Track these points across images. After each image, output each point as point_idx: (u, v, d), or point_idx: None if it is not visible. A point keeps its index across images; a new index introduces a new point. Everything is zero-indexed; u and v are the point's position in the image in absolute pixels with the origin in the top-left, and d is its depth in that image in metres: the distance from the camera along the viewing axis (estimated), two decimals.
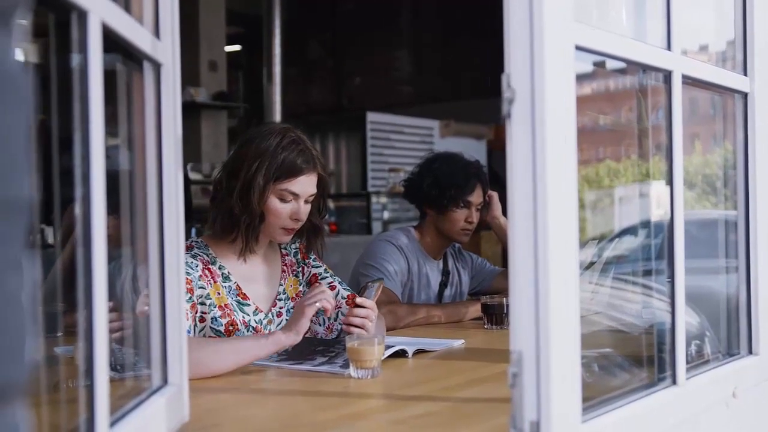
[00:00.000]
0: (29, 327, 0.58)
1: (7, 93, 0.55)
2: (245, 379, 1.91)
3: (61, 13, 0.99)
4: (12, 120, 0.55)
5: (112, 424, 1.10)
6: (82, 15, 1.00)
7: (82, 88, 1.01)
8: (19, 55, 0.58)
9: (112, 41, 1.12)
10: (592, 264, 2.20)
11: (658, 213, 1.95)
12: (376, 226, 7.44)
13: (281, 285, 2.36)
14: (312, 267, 2.44)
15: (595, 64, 1.47)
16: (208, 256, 2.22)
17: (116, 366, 1.37)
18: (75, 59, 1.02)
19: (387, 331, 2.62)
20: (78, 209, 1.02)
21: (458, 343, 2.36)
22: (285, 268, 2.39)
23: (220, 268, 2.23)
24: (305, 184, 2.22)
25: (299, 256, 2.43)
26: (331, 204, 7.76)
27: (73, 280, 1.05)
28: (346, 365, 1.91)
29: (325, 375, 1.91)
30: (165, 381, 1.38)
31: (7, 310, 0.55)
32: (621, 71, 1.73)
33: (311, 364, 1.98)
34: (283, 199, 2.20)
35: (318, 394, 1.76)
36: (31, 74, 0.59)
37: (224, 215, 2.21)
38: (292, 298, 2.36)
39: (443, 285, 3.15)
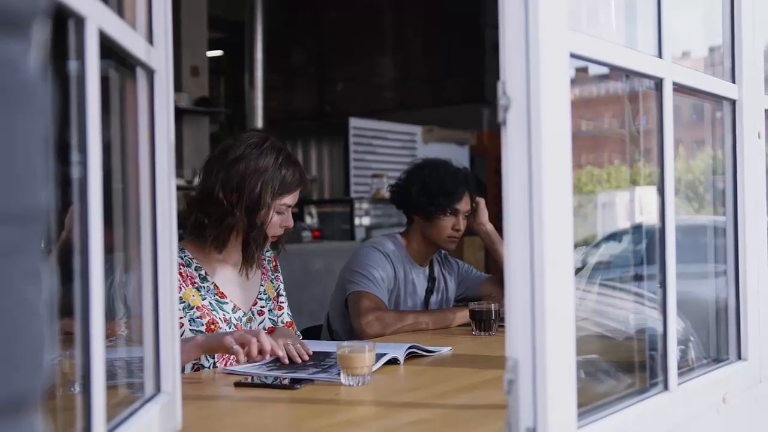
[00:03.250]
0: (47, 336, 0.58)
1: (26, 101, 0.55)
2: (236, 387, 1.90)
3: (58, 20, 0.99)
4: (31, 128, 0.55)
5: None
6: (80, 21, 0.99)
7: (80, 94, 1.00)
8: (37, 64, 0.57)
9: (106, 47, 1.11)
10: (578, 270, 2.21)
11: (642, 219, 1.96)
12: (360, 232, 7.43)
13: (262, 285, 2.44)
14: (280, 282, 2.54)
15: (577, 69, 1.47)
16: (182, 258, 2.24)
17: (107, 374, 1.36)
18: (71, 65, 1.02)
19: (375, 338, 2.62)
20: (75, 216, 1.01)
21: (446, 350, 2.36)
22: (264, 270, 2.47)
23: (196, 269, 2.28)
24: (297, 195, 2.35)
25: (272, 265, 2.52)
26: (313, 210, 7.74)
27: (61, 287, 1.04)
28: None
29: (317, 383, 1.90)
30: (158, 389, 1.37)
31: (26, 319, 0.55)
32: (603, 77, 1.74)
33: (306, 373, 1.97)
34: (279, 212, 2.31)
35: (309, 402, 1.75)
36: (49, 82, 0.59)
37: (226, 230, 2.26)
38: (273, 299, 2.45)
39: (429, 291, 3.14)
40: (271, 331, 2.41)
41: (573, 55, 1.25)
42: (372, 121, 8.55)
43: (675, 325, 1.54)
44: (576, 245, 2.16)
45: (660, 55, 1.52)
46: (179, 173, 7.12)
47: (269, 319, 2.41)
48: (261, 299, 2.41)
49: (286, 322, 2.44)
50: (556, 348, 1.17)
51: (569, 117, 1.22)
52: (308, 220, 7.52)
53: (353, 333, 2.82)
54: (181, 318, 2.18)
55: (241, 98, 8.83)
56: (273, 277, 2.49)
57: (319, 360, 2.13)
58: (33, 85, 0.56)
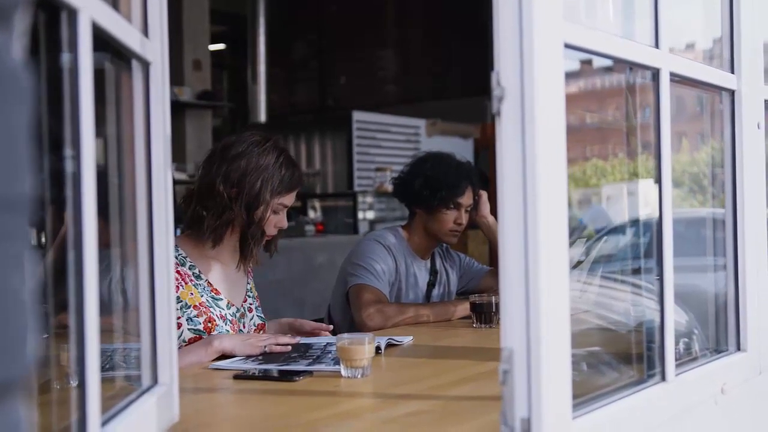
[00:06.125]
0: (31, 324, 0.58)
1: (9, 91, 0.55)
2: (234, 380, 1.90)
3: (51, 12, 0.99)
4: (15, 117, 0.55)
5: (103, 423, 1.09)
6: (72, 13, 0.99)
7: (72, 86, 1.00)
8: (20, 53, 0.58)
9: (101, 40, 1.11)
10: (579, 263, 2.21)
11: (645, 211, 1.96)
12: (363, 226, 7.43)
13: (248, 284, 2.48)
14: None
15: (582, 61, 1.47)
16: (176, 258, 2.25)
17: (104, 366, 1.37)
18: (64, 57, 1.02)
19: (376, 330, 2.63)
20: (68, 210, 1.01)
21: (407, 340, 2.38)
22: (249, 270, 2.50)
23: (190, 268, 2.31)
24: (294, 197, 2.38)
25: (251, 266, 2.54)
26: (317, 204, 7.75)
27: (60, 281, 1.04)
28: (337, 362, 1.90)
29: (316, 375, 1.90)
30: (155, 381, 1.38)
31: (9, 306, 0.55)
32: (607, 69, 1.74)
33: (304, 364, 1.97)
34: (275, 212, 2.33)
35: (308, 394, 1.76)
36: (31, 72, 0.59)
37: (224, 225, 2.28)
38: (256, 297, 2.50)
39: (431, 284, 3.15)
40: (261, 328, 2.46)
41: (568, 46, 1.24)
42: (375, 114, 8.54)
43: (672, 316, 1.53)
44: (581, 238, 2.16)
45: (657, 46, 1.52)
46: (182, 168, 7.13)
47: (257, 316, 2.46)
48: (249, 296, 2.46)
49: (258, 324, 2.46)
50: (551, 338, 1.17)
51: (564, 108, 1.22)
52: (311, 214, 7.53)
53: (354, 325, 2.82)
54: (179, 318, 2.19)
55: (244, 92, 8.84)
56: (253, 277, 2.55)
57: (303, 352, 2.14)
58: (15, 74, 0.56)
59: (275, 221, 2.34)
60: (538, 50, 1.16)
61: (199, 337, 2.21)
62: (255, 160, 2.27)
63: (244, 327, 2.37)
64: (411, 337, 2.42)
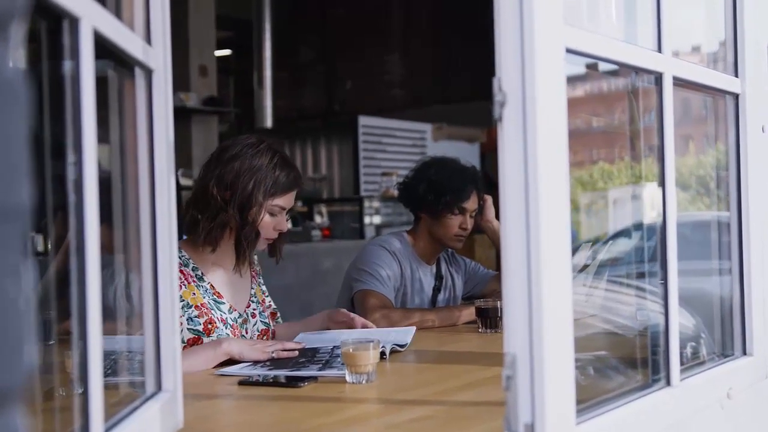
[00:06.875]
0: (28, 332, 0.58)
1: (6, 100, 0.55)
2: (239, 386, 1.90)
3: (53, 20, 0.99)
4: (12, 126, 0.55)
5: (107, 430, 1.10)
6: (74, 21, 0.99)
7: (74, 94, 1.01)
8: (17, 62, 0.58)
9: (103, 47, 1.11)
10: (586, 266, 2.20)
11: (651, 215, 1.95)
12: (369, 231, 7.43)
13: (252, 289, 2.47)
14: (263, 286, 2.56)
15: (588, 66, 1.47)
16: (180, 258, 2.26)
17: (107, 371, 1.37)
18: (66, 65, 1.02)
19: None
20: (71, 217, 1.02)
21: (410, 333, 2.40)
22: (254, 274, 2.51)
23: (193, 270, 2.31)
24: (292, 199, 2.37)
25: (258, 269, 2.56)
26: (323, 209, 7.75)
27: (65, 288, 1.05)
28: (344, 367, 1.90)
29: (321, 380, 1.90)
30: (159, 387, 1.38)
31: (6, 315, 0.55)
32: (613, 73, 1.73)
33: (313, 370, 1.97)
34: (272, 214, 2.33)
35: (313, 400, 1.75)
36: (28, 81, 0.59)
37: (218, 227, 2.28)
38: (261, 302, 2.49)
39: (437, 289, 3.14)
40: (264, 333, 2.45)
41: (569, 50, 1.24)
42: (381, 119, 8.55)
43: (677, 320, 1.53)
44: (587, 242, 2.14)
45: (659, 50, 1.51)
46: (188, 174, 7.13)
47: (261, 321, 2.45)
48: (253, 301, 2.45)
49: (262, 329, 2.47)
50: (554, 343, 1.17)
51: (565, 113, 1.22)
52: (318, 219, 7.52)
53: None
54: (180, 317, 2.20)
55: (250, 97, 8.84)
56: (260, 281, 2.54)
57: (311, 357, 2.13)
58: (13, 84, 0.56)
59: (274, 224, 2.33)
60: (539, 55, 1.16)
61: (199, 338, 2.22)
62: (248, 162, 2.28)
63: (246, 332, 2.37)
64: (413, 328, 2.44)
